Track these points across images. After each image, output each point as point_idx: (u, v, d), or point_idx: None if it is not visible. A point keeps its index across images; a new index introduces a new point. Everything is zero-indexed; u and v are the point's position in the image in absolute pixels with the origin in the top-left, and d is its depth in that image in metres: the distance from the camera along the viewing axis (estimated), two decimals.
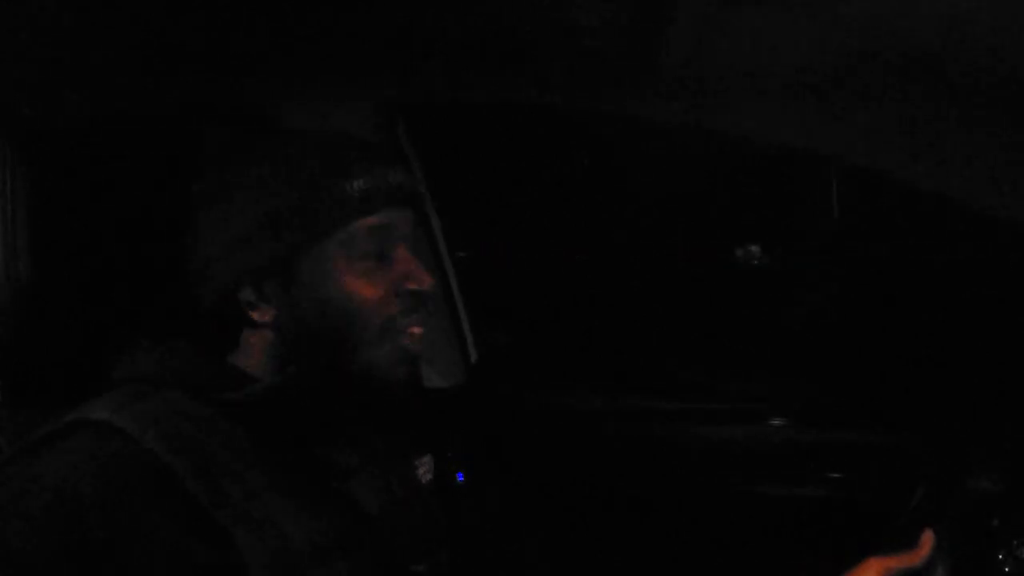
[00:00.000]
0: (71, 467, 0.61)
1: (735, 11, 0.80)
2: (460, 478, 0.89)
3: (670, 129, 1.19)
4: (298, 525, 0.65)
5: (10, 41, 0.89)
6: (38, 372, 0.84)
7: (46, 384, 0.83)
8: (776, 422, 1.35)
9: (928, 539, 0.79)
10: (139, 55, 1.00)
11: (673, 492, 1.34)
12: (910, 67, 0.82)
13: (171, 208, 0.82)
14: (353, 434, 0.78)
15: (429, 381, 1.44)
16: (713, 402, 1.40)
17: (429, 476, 0.84)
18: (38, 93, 0.97)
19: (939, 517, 0.85)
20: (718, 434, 1.36)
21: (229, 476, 0.64)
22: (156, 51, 0.99)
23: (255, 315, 0.74)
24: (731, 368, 1.55)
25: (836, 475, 1.29)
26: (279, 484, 0.67)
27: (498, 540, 0.87)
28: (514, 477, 1.29)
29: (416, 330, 0.76)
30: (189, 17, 0.93)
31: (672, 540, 1.31)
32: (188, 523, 0.61)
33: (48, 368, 0.84)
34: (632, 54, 0.95)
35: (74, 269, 0.84)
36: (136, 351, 0.75)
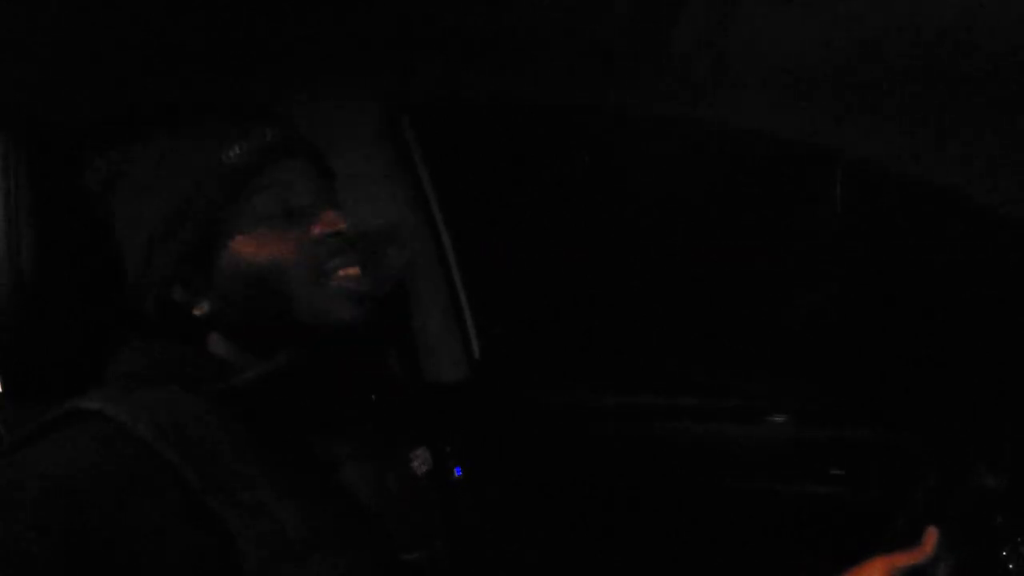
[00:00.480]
0: (66, 457, 0.61)
1: (740, 6, 0.80)
2: (458, 472, 0.89)
3: (671, 126, 1.19)
4: (291, 512, 0.66)
5: (12, 39, 0.89)
6: (41, 366, 0.84)
7: (49, 378, 0.83)
8: (777, 419, 1.35)
9: (932, 536, 0.79)
10: (139, 54, 1.00)
11: (673, 489, 1.34)
12: (917, 62, 0.82)
13: None
14: (345, 423, 0.78)
15: (432, 376, 1.45)
16: (714, 399, 1.40)
17: (424, 468, 0.83)
18: (40, 92, 0.97)
19: (942, 515, 0.85)
20: (719, 431, 1.36)
21: (221, 464, 0.65)
22: (156, 50, 0.99)
23: (195, 311, 0.75)
24: (732, 365, 1.55)
25: (836, 472, 1.28)
26: (271, 472, 0.67)
27: (496, 535, 0.87)
28: (513, 473, 1.29)
29: (350, 271, 0.75)
30: (190, 16, 0.93)
31: (672, 538, 1.31)
32: (182, 510, 0.61)
33: (51, 363, 0.84)
34: (637, 51, 0.95)
35: (77, 266, 0.84)
36: (126, 348, 0.75)
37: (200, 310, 0.75)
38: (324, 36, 1.05)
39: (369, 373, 0.81)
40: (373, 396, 0.81)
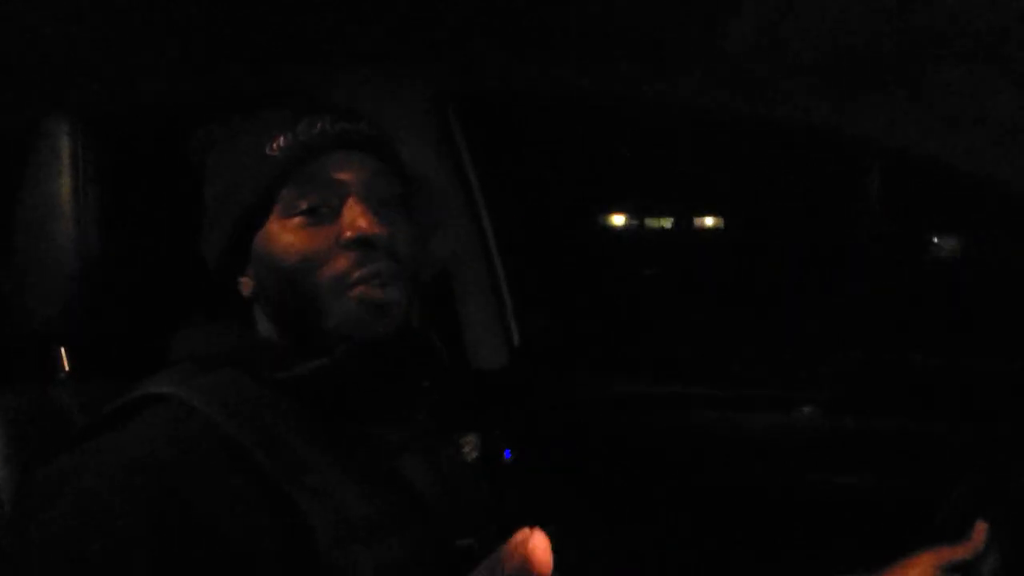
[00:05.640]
0: (149, 438, 0.64)
1: None
2: (507, 455, 0.90)
3: (718, 117, 1.18)
4: (353, 499, 0.67)
5: (76, 24, 0.92)
6: (105, 343, 0.87)
7: (112, 354, 0.86)
8: (815, 411, 1.34)
9: (981, 529, 0.79)
10: (188, 41, 1.02)
11: (716, 479, 1.34)
12: (978, 54, 0.80)
13: None
14: (400, 410, 0.79)
15: (473, 362, 1.46)
16: (759, 388, 1.39)
17: (475, 454, 0.84)
18: (107, 79, 1.00)
19: (988, 509, 0.84)
20: (759, 421, 1.35)
21: (288, 449, 0.67)
22: (205, 36, 1.01)
23: (243, 290, 0.78)
24: (779, 354, 1.54)
25: (879, 464, 1.27)
26: (333, 459, 0.69)
27: (544, 518, 0.88)
28: (562, 457, 1.30)
29: (371, 286, 0.72)
30: (242, 7, 0.95)
31: (714, 527, 1.31)
32: (257, 491, 0.64)
33: (114, 339, 0.87)
34: (694, 43, 0.94)
35: (143, 245, 0.87)
36: (189, 330, 0.78)
37: (246, 289, 0.78)
38: (375, 23, 1.06)
39: (421, 360, 0.82)
40: (426, 383, 0.82)
